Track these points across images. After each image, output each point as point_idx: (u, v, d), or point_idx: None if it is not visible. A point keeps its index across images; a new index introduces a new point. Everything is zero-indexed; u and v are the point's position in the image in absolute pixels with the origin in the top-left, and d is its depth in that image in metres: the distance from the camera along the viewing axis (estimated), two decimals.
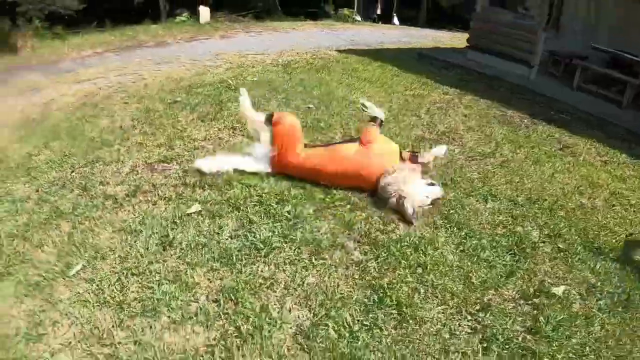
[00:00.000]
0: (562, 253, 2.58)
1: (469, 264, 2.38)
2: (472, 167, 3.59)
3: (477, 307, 2.09)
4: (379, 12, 18.77)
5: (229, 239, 2.41)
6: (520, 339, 1.94)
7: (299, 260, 2.32)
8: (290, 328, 1.91)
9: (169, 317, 1.91)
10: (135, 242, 2.36)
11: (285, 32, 12.03)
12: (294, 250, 2.38)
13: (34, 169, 3.23)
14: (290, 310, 1.98)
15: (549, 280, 2.34)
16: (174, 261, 2.26)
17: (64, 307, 1.95)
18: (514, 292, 2.23)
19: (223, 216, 2.60)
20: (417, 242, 2.50)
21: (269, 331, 1.86)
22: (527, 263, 2.44)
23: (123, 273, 2.14)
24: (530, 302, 2.18)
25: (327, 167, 2.84)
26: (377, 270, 2.29)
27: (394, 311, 2.02)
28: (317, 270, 2.26)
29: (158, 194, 2.83)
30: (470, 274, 2.29)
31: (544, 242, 2.66)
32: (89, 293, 2.03)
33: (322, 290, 2.13)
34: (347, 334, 1.86)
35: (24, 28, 11.30)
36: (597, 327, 2.04)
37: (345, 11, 16.88)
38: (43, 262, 2.24)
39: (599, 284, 2.36)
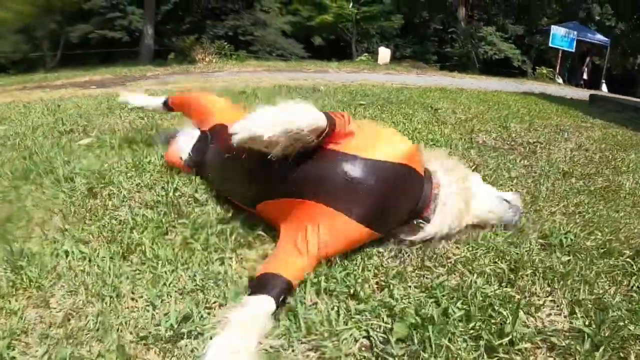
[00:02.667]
0: None
1: None
2: (531, 178, 2.01)
3: None
4: (585, 76, 15.83)
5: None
6: None
7: None
8: None
9: None
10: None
11: (459, 79, 11.81)
12: None
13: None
14: None
15: None
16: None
17: None
18: None
19: (100, 148, 2.29)
20: None
21: None
22: None
23: None
24: None
25: None
26: None
27: None
28: None
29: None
30: None
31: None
32: None
33: None
34: None
35: (207, 45, 13.82)
36: None
37: (543, 70, 14.73)
38: None
39: None
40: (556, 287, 1.08)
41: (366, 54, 16.71)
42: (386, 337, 0.82)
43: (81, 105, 4.11)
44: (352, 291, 0.96)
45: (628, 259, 1.24)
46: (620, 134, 3.46)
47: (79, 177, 1.76)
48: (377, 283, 1.01)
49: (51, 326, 0.89)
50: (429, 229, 1.17)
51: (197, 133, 1.73)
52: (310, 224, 1.02)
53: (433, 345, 0.81)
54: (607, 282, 1.12)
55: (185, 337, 0.83)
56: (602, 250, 1.28)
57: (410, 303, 0.93)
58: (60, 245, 1.19)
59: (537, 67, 15.84)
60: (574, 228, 1.44)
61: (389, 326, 0.85)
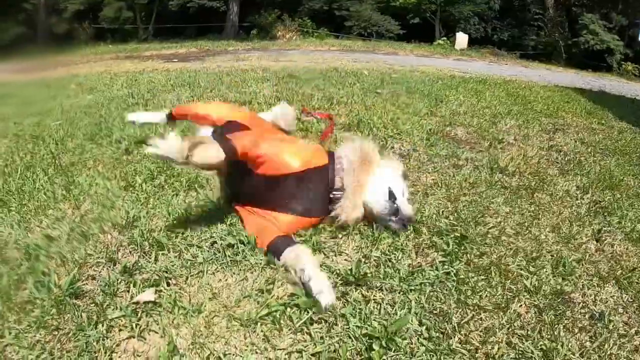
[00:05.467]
0: None
1: None
2: (457, 168, 2.41)
3: None
4: None
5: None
6: None
7: None
8: None
9: None
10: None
11: (531, 69, 11.44)
12: None
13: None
14: None
15: None
16: None
17: None
18: None
19: None
20: None
21: None
22: None
23: None
24: None
25: None
26: None
27: None
28: None
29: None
30: None
31: None
32: None
33: None
34: None
35: (288, 22, 14.47)
36: None
37: (629, 66, 13.33)
38: None
39: None
40: (364, 245, 1.54)
41: (444, 38, 16.36)
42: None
43: (154, 81, 5.03)
44: None
45: (453, 240, 1.60)
46: (626, 140, 3.52)
47: (125, 141, 2.60)
48: None
49: (76, 217, 1.69)
50: (344, 200, 1.56)
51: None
52: (270, 221, 1.49)
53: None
54: (414, 249, 1.55)
55: (131, 226, 1.58)
56: (436, 230, 1.68)
57: None
58: (94, 179, 2.01)
59: (623, 63, 14.32)
60: (437, 210, 1.85)
61: None
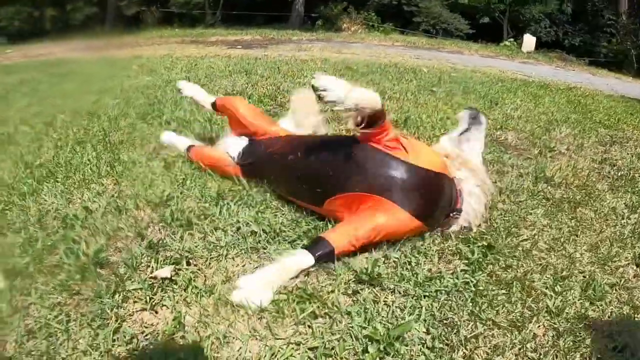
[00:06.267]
0: None
1: None
2: (501, 175, 2.29)
3: None
4: None
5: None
6: None
7: None
8: None
9: None
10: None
11: (598, 77, 10.83)
12: None
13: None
14: None
15: None
16: None
17: None
18: None
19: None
20: None
21: None
22: None
23: None
24: None
25: None
26: None
27: None
28: None
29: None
30: None
31: None
32: None
33: None
34: None
35: (354, 15, 14.40)
36: None
37: None
38: None
39: None
40: (386, 244, 1.49)
41: (511, 40, 15.63)
42: None
43: (213, 66, 5.17)
44: None
45: (479, 249, 1.55)
46: None
47: (173, 122, 2.73)
48: None
49: (115, 192, 1.81)
50: (462, 221, 1.61)
51: (243, 139, 1.97)
52: (371, 212, 1.40)
53: None
54: (437, 254, 1.51)
55: (164, 205, 1.67)
56: (463, 236, 1.62)
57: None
58: (138, 157, 2.14)
59: None
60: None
61: None
